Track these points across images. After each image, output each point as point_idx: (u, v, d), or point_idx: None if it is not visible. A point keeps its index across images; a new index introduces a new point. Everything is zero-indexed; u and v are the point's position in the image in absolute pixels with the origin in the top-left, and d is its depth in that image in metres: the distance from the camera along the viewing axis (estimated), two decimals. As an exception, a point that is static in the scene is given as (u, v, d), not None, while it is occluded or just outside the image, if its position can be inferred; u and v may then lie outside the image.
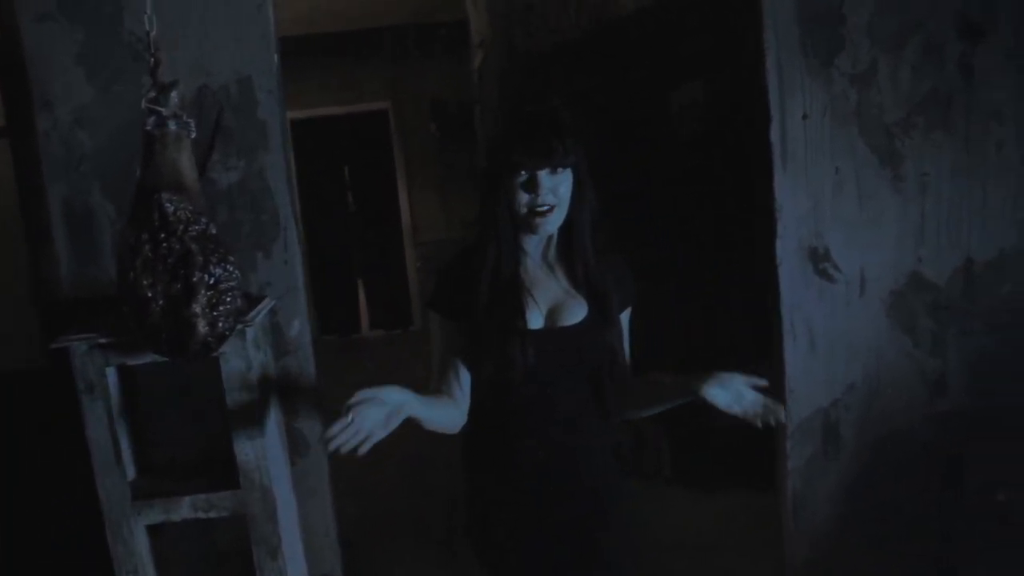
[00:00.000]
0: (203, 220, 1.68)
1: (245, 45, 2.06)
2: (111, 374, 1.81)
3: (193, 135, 1.70)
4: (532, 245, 1.69)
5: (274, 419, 1.93)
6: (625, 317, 1.78)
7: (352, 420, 1.34)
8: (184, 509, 1.82)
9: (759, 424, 1.54)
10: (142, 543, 1.85)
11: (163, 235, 1.65)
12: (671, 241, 3.93)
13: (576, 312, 1.66)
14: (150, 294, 1.64)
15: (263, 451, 1.80)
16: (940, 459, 2.33)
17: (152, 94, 1.68)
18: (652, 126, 4.15)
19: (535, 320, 1.64)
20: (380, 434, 1.38)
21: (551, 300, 1.67)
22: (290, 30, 4.61)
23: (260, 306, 1.88)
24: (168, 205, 1.65)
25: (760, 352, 2.51)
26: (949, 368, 2.28)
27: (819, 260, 2.22)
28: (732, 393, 1.53)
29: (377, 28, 6.45)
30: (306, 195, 6.17)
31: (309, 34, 5.88)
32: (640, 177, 4.17)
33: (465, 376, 1.66)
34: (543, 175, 1.61)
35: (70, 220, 2.05)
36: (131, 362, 1.79)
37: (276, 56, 2.10)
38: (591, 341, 1.67)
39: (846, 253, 2.22)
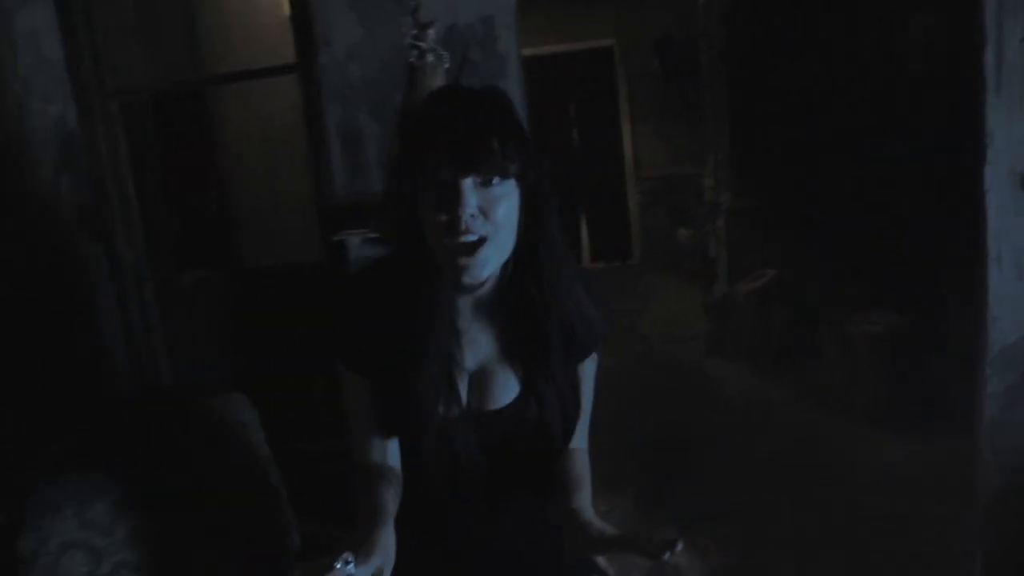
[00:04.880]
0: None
1: (488, -11, 2.37)
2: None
3: (447, 66, 2.04)
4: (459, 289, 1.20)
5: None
6: (587, 368, 1.33)
7: None
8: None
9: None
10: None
11: (422, 148, 2.02)
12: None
13: (507, 388, 1.23)
14: (410, 198, 2.02)
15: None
16: None
17: (414, 32, 2.04)
18: (881, 62, 4.09)
19: (454, 400, 1.21)
20: None
21: (478, 364, 1.24)
22: (525, -28, 4.92)
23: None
24: (427, 122, 2.02)
25: (957, 278, 2.53)
26: None
27: (1029, 187, 2.22)
28: None
29: (603, -34, 6.61)
30: (532, 131, 6.52)
31: (540, -25, 6.15)
32: (869, 115, 4.14)
33: (392, 442, 1.25)
34: (467, 185, 1.11)
35: (343, 139, 2.47)
36: (393, 255, 2.19)
37: (514, -3, 2.39)
38: (523, 424, 1.23)
39: (1058, 180, 2.21)
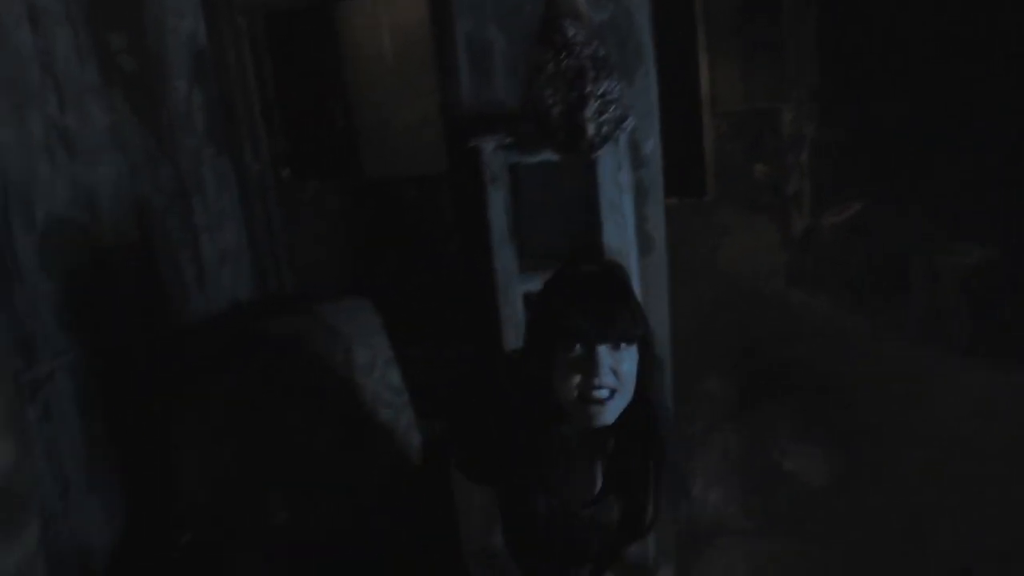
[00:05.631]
0: (594, 43, 2.06)
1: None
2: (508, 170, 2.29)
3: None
4: (572, 432, 1.45)
5: (631, 216, 2.32)
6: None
7: None
8: (559, 281, 2.29)
9: None
10: (519, 305, 2.36)
11: (564, 54, 2.05)
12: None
13: (592, 489, 1.50)
14: (551, 102, 2.07)
15: (627, 238, 2.20)
16: None
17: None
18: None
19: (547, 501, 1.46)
20: None
21: (575, 478, 1.50)
22: None
23: (628, 120, 2.25)
24: (569, 29, 2.05)
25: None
26: None
27: None
28: None
29: None
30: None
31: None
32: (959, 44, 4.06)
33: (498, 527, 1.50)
34: (603, 351, 1.33)
35: (471, 51, 2.52)
36: (525, 161, 2.25)
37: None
38: (604, 516, 1.51)
39: None
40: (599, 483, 1.51)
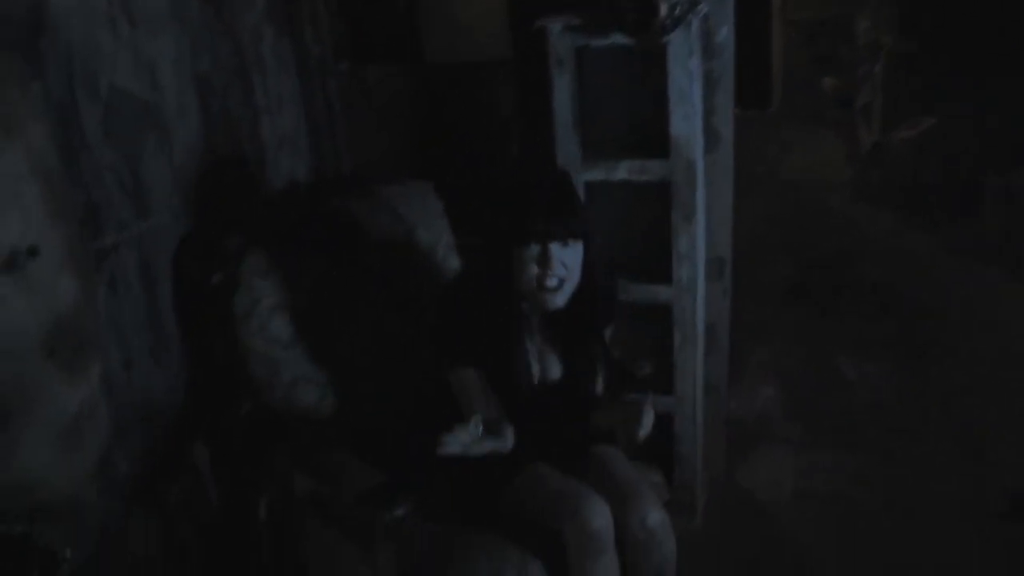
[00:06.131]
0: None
1: None
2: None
3: None
4: (532, 311, 1.76)
5: (699, 107, 2.24)
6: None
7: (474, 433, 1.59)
8: (621, 171, 2.24)
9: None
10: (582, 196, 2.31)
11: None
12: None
13: (555, 372, 1.82)
14: (623, -20, 1.98)
15: (693, 129, 2.13)
16: None
17: None
18: None
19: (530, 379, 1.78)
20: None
21: (543, 357, 1.82)
22: None
23: (702, 5, 2.16)
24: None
25: None
26: None
27: None
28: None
29: None
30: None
31: None
32: None
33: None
34: (555, 247, 1.61)
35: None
36: (593, 44, 2.17)
37: None
38: (571, 389, 1.84)
39: None
40: (557, 359, 1.82)
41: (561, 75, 2.18)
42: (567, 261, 1.62)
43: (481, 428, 1.59)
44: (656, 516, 1.76)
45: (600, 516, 1.67)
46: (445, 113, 2.79)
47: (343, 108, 2.76)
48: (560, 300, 1.66)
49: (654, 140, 2.20)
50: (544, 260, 1.60)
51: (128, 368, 2.06)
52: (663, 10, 1.95)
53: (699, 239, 2.27)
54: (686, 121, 2.12)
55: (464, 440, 1.56)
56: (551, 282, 1.62)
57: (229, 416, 2.07)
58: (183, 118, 2.24)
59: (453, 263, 2.42)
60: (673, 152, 2.16)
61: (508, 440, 1.65)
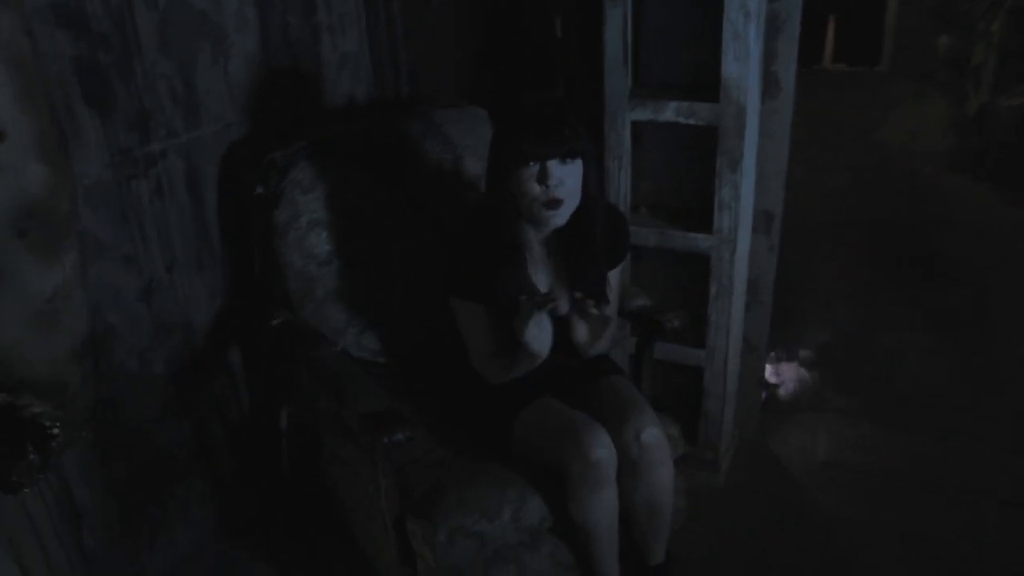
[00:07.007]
0: None
1: None
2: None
3: None
4: (535, 232, 1.78)
5: (756, 53, 2.14)
6: (615, 273, 1.92)
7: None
8: (669, 112, 2.17)
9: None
10: (627, 136, 2.25)
11: None
12: None
13: (563, 306, 1.81)
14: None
15: (746, 72, 2.04)
16: None
17: None
18: None
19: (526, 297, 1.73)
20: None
21: (546, 277, 1.83)
22: None
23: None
24: None
25: None
26: None
27: None
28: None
29: None
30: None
31: None
32: None
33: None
34: (553, 165, 1.62)
35: None
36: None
37: None
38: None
39: None
40: (565, 293, 1.84)
41: (614, 8, 2.11)
42: (566, 179, 1.64)
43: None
44: (653, 432, 1.75)
45: (602, 447, 1.68)
46: (504, 39, 2.74)
47: (405, 30, 2.74)
48: (561, 218, 1.69)
49: (710, 87, 2.12)
50: (543, 176, 1.62)
51: (170, 271, 2.14)
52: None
53: (745, 189, 2.19)
54: (738, 63, 2.02)
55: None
56: (555, 193, 1.64)
57: (261, 326, 2.12)
58: (241, 31, 2.26)
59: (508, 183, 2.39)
60: (723, 95, 2.07)
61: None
